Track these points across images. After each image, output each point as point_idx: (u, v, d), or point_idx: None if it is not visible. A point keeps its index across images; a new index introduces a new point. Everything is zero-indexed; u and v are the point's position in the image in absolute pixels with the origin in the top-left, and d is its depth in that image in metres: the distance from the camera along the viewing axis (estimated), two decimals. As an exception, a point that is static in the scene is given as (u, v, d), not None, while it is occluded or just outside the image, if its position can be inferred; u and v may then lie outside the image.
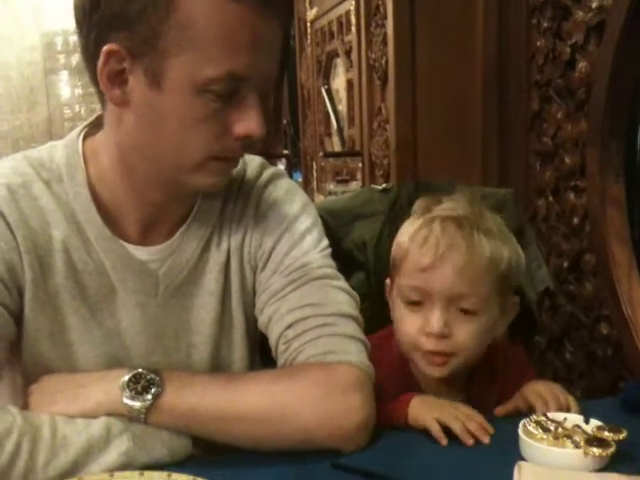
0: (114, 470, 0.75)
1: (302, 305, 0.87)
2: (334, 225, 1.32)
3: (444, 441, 0.81)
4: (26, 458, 0.73)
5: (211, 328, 0.92)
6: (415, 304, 0.89)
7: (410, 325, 0.90)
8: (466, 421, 0.82)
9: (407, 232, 0.95)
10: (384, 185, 1.41)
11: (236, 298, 0.92)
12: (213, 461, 0.81)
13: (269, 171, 0.98)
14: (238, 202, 0.93)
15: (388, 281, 1.02)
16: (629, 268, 1.60)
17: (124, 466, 0.76)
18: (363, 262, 1.32)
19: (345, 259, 1.32)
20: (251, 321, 0.94)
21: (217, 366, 0.93)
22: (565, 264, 1.84)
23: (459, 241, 0.88)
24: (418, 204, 0.99)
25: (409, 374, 0.98)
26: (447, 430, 0.84)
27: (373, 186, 1.45)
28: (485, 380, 0.98)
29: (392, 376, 0.94)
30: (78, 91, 6.72)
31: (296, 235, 0.92)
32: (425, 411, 0.84)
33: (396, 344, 0.96)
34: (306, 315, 0.86)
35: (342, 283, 0.92)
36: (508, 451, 0.80)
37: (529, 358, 1.22)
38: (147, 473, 0.75)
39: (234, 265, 0.92)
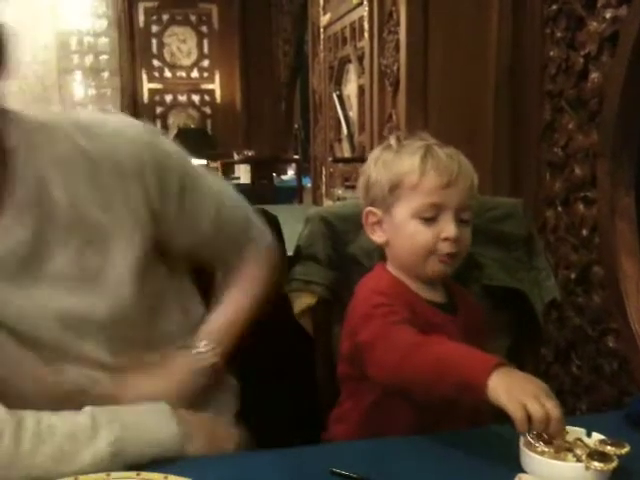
0: (103, 459, 0.75)
1: None
2: (341, 230, 1.32)
3: (524, 429, 0.76)
4: (9, 444, 0.73)
5: None
6: (429, 219, 1.04)
7: (428, 235, 1.04)
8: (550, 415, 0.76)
9: (408, 163, 1.05)
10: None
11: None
12: (208, 461, 0.81)
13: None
14: None
15: (372, 209, 1.11)
16: (638, 281, 1.58)
17: (113, 456, 0.76)
18: (369, 268, 1.31)
19: (351, 264, 1.31)
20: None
21: None
22: (573, 276, 1.82)
23: (462, 162, 1.06)
24: (384, 146, 1.12)
25: (408, 290, 1.09)
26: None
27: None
28: (466, 309, 1.13)
29: (397, 296, 1.05)
30: (91, 91, 6.77)
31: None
32: (512, 393, 0.78)
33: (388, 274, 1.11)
34: None
35: None
36: (508, 463, 0.79)
37: (536, 370, 1.22)
38: (144, 474, 0.74)
39: None
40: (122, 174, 0.89)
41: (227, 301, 1.08)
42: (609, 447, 0.77)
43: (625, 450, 0.76)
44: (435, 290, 1.11)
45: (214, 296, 1.11)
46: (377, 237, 1.12)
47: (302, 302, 1.29)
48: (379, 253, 1.29)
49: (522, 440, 0.80)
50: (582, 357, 1.81)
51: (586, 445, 0.78)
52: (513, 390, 0.78)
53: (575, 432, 0.82)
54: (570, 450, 0.77)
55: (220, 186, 1.09)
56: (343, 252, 1.31)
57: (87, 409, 0.80)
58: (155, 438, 0.80)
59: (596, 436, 0.81)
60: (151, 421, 0.82)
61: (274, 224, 1.33)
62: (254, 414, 1.08)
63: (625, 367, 1.63)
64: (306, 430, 1.14)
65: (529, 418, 0.75)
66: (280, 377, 1.32)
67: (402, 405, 1.02)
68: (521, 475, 0.74)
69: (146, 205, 0.91)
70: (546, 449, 0.78)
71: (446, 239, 1.03)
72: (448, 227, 1.03)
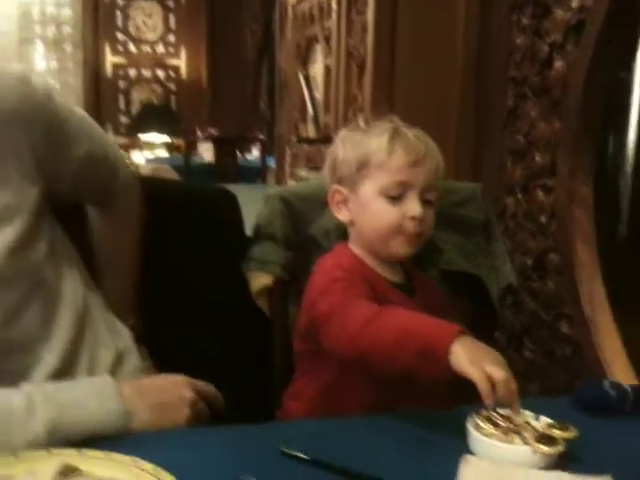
0: (40, 440, 0.73)
1: None
2: (301, 210, 1.31)
3: (487, 390, 0.77)
4: None
5: None
6: (395, 198, 1.04)
7: (394, 214, 1.04)
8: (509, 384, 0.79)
9: (376, 142, 1.06)
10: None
11: None
12: (153, 437, 0.79)
13: None
14: None
15: (338, 187, 1.10)
16: (592, 269, 1.61)
17: (50, 435, 0.74)
18: (327, 249, 1.30)
19: (309, 245, 1.30)
20: None
21: None
22: (530, 262, 1.84)
23: (429, 143, 1.07)
24: (353, 126, 1.12)
25: (369, 268, 1.09)
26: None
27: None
28: (426, 291, 1.15)
29: (357, 273, 1.06)
30: (53, 64, 6.59)
31: None
32: (475, 360, 0.79)
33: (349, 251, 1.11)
34: None
35: None
36: (456, 445, 0.79)
37: None
38: (86, 451, 0.72)
39: None
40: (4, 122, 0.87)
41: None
42: (557, 431, 0.77)
43: (572, 434, 0.77)
44: (395, 271, 1.12)
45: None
46: (342, 216, 1.12)
47: (259, 282, 1.28)
48: (337, 234, 1.28)
49: (470, 422, 0.80)
50: (536, 342, 1.84)
51: (534, 428, 0.79)
52: (475, 356, 0.79)
53: (524, 415, 0.82)
54: (518, 433, 0.78)
55: (94, 132, 1.05)
56: (302, 232, 1.30)
57: (24, 387, 0.77)
58: (95, 417, 0.77)
59: (544, 420, 0.81)
60: (91, 399, 0.79)
61: (232, 203, 1.31)
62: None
63: (577, 353, 1.66)
64: (262, 411, 1.14)
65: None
66: (237, 358, 1.30)
67: (359, 383, 1.02)
68: (468, 457, 0.74)
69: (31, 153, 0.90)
70: (494, 432, 0.78)
71: (412, 218, 1.04)
72: (414, 206, 1.04)
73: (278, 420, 1.10)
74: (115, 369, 1.00)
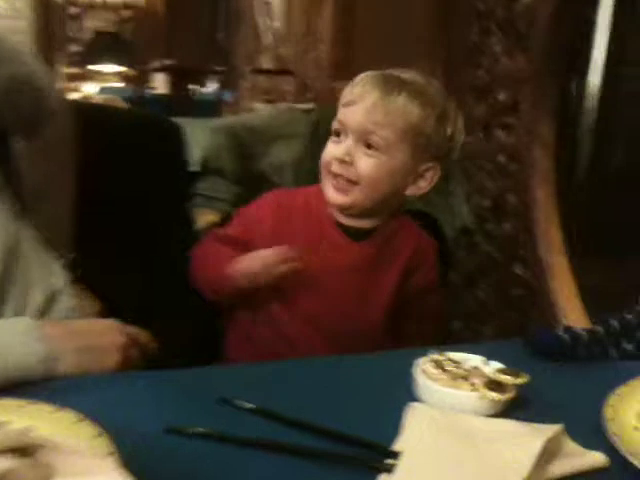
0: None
1: None
2: (250, 143, 1.24)
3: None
4: None
5: None
6: (337, 135, 1.00)
7: (328, 152, 1.00)
8: None
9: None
10: (307, 105, 1.32)
11: None
12: (78, 385, 0.73)
13: None
14: None
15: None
16: (549, 210, 1.58)
17: None
18: (279, 185, 1.24)
19: (258, 180, 1.24)
20: None
21: None
22: (487, 203, 1.81)
23: (379, 87, 0.98)
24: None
25: (320, 208, 1.04)
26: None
27: (296, 106, 1.36)
28: (386, 241, 1.06)
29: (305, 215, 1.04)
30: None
31: None
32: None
33: (315, 193, 1.05)
34: None
35: None
36: (400, 391, 0.75)
37: (442, 295, 1.21)
38: (3, 399, 0.66)
39: None
40: None
41: None
42: (507, 377, 0.74)
43: (523, 380, 0.74)
44: (359, 217, 1.04)
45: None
46: None
47: (205, 219, 1.22)
48: (293, 169, 1.22)
49: (416, 367, 0.76)
50: (489, 283, 1.83)
51: (483, 374, 0.75)
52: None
53: (473, 360, 0.79)
54: (466, 379, 0.74)
55: (15, 55, 0.96)
56: (251, 167, 1.24)
57: None
58: (15, 360, 0.71)
59: (494, 365, 0.78)
60: (10, 342, 0.73)
61: (176, 135, 1.23)
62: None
63: (531, 295, 1.66)
64: (209, 356, 1.09)
65: None
66: (181, 297, 1.24)
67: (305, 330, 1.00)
68: (413, 404, 0.70)
69: None
70: (441, 377, 0.75)
71: (332, 158, 0.99)
72: (342, 145, 0.99)
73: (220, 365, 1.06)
74: (46, 309, 0.93)
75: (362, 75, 1.01)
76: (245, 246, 1.01)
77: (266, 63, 2.79)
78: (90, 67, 6.20)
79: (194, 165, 1.26)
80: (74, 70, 6.55)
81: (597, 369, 0.87)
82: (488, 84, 1.83)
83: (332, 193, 1.00)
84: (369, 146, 0.98)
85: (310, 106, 1.27)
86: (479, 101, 1.88)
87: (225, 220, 1.22)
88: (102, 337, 0.82)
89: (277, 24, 2.64)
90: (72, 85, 6.60)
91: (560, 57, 1.64)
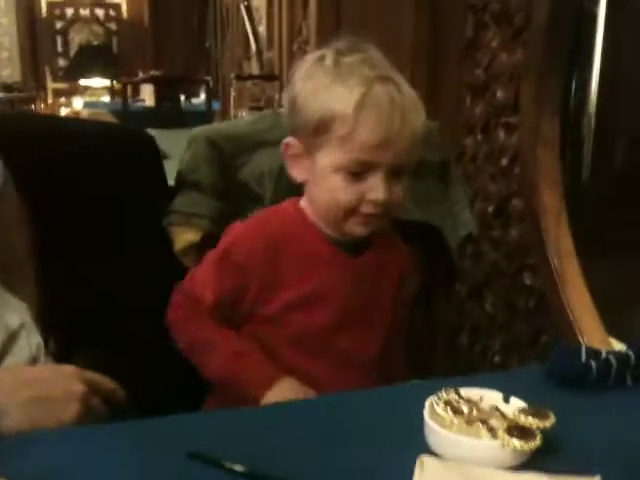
0: None
1: None
2: (230, 152, 1.13)
3: None
4: None
5: None
6: (356, 174, 0.88)
7: (351, 194, 0.88)
8: None
9: (342, 101, 0.85)
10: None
11: None
12: (27, 443, 0.63)
13: None
14: None
15: (293, 142, 0.92)
16: (558, 214, 1.47)
17: None
18: (260, 195, 1.13)
19: (240, 192, 1.13)
20: None
21: None
22: (490, 208, 1.71)
23: (407, 114, 0.87)
24: (319, 56, 0.91)
25: (309, 224, 0.94)
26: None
27: (280, 109, 1.24)
28: (382, 251, 0.98)
29: (297, 238, 0.93)
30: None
31: None
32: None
33: (295, 211, 0.95)
34: None
35: None
36: (413, 437, 0.64)
37: (449, 307, 1.14)
38: None
39: None
40: None
41: None
42: (531, 418, 0.63)
43: (550, 422, 0.62)
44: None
45: None
46: (295, 173, 0.94)
47: (184, 238, 1.11)
48: (272, 178, 1.11)
49: (427, 409, 0.65)
50: (497, 294, 1.72)
51: (503, 415, 0.64)
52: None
53: (491, 397, 0.68)
54: (484, 422, 0.63)
55: None
56: (232, 178, 1.13)
57: None
58: None
59: (515, 403, 0.67)
60: None
61: (150, 147, 1.12)
62: (131, 373, 0.90)
63: (541, 304, 1.55)
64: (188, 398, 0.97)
65: None
66: (159, 328, 1.12)
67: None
68: (423, 457, 0.59)
69: None
70: (455, 420, 0.63)
71: (373, 202, 0.88)
72: (377, 188, 0.87)
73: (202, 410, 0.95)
74: (6, 349, 0.83)
75: (384, 98, 0.85)
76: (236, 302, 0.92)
77: (253, 70, 2.69)
78: (79, 81, 6.12)
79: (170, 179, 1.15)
80: (62, 85, 6.46)
81: (629, 398, 0.76)
82: (486, 81, 1.73)
83: (359, 229, 0.91)
84: (399, 175, 0.89)
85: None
86: (477, 100, 1.78)
87: (205, 239, 1.11)
88: (57, 386, 0.71)
89: (262, 28, 2.54)
90: (61, 100, 6.52)
91: (562, 48, 1.54)
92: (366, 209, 0.88)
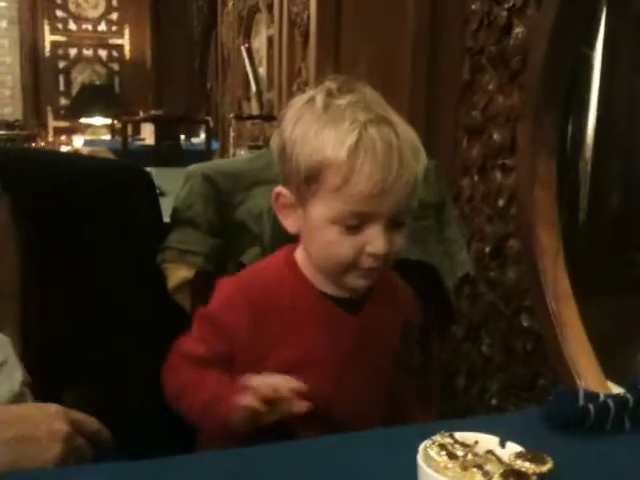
0: None
1: None
2: (226, 189, 1.12)
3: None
4: None
5: None
6: (352, 227, 0.82)
7: (349, 247, 0.83)
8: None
9: (333, 149, 0.80)
10: (289, 147, 1.21)
11: None
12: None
13: None
14: None
15: (283, 191, 0.87)
16: (555, 255, 1.47)
17: None
18: (258, 235, 1.12)
19: (237, 230, 1.12)
20: None
21: None
22: (487, 249, 1.70)
23: (405, 158, 0.81)
24: (308, 98, 0.84)
25: (302, 280, 0.89)
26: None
27: (276, 148, 1.24)
28: (382, 302, 0.93)
29: (285, 298, 0.89)
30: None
31: None
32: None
33: (286, 266, 0.90)
34: None
35: None
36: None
37: (445, 348, 1.10)
38: None
39: None
40: None
41: None
42: (527, 463, 0.61)
43: (547, 467, 0.61)
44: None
45: None
46: (288, 225, 0.88)
47: (178, 275, 1.10)
48: (269, 219, 1.10)
49: (421, 453, 0.63)
50: (494, 335, 1.70)
51: (499, 460, 0.62)
52: None
53: (487, 441, 0.66)
54: (480, 467, 0.61)
55: None
56: (228, 216, 1.12)
57: None
58: None
59: (512, 447, 0.65)
60: None
61: (145, 181, 1.12)
62: (122, 413, 0.88)
63: (539, 347, 1.53)
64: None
65: None
66: (150, 365, 1.10)
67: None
68: (418, 504, 0.57)
69: None
70: (450, 464, 0.61)
71: (373, 255, 0.82)
72: (376, 240, 0.81)
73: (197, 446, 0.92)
74: None
75: (379, 143, 0.79)
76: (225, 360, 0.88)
77: (253, 110, 2.71)
78: (80, 120, 6.18)
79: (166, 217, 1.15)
80: (63, 123, 6.52)
81: (628, 442, 0.74)
82: (483, 123, 1.74)
83: (359, 282, 0.85)
84: (399, 224, 0.84)
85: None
86: (473, 141, 1.79)
87: (199, 276, 1.10)
88: (39, 425, 0.68)
89: (262, 70, 2.58)
90: (62, 138, 6.57)
91: (558, 91, 1.55)
92: (366, 263, 0.83)
